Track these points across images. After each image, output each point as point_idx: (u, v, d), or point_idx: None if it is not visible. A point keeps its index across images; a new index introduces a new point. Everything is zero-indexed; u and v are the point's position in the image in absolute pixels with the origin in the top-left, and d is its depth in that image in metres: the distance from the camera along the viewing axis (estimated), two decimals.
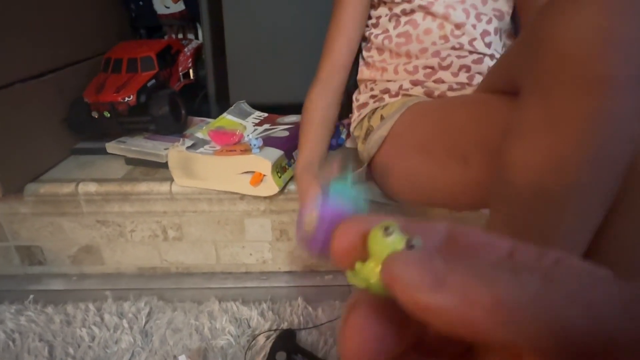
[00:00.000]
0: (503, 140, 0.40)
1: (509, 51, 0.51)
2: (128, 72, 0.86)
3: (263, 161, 0.67)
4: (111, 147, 0.83)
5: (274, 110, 0.92)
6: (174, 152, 0.71)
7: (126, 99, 0.80)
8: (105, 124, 0.82)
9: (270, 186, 0.68)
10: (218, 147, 0.73)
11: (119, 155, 0.84)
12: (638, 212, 0.40)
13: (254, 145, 0.68)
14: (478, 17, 0.67)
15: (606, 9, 0.33)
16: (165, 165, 0.77)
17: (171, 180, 0.74)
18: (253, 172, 0.69)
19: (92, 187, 0.75)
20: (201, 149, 0.72)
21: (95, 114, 0.81)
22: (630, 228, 0.40)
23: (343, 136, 0.87)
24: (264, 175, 0.68)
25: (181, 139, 0.73)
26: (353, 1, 0.72)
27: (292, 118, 0.87)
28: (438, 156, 0.52)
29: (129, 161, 0.82)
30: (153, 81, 0.86)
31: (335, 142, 0.85)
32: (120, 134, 0.86)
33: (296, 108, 0.92)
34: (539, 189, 0.36)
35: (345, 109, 0.83)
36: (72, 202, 0.76)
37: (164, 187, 0.75)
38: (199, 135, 0.77)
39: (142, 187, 0.75)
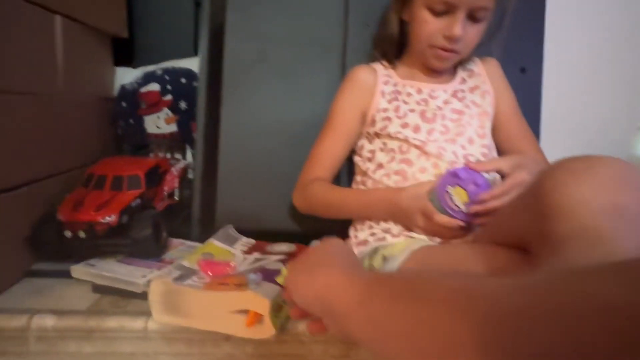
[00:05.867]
0: None
1: (512, 209, 0.54)
2: (112, 189, 0.81)
3: (261, 300, 0.61)
4: (78, 271, 0.74)
5: (262, 236, 0.89)
6: (158, 284, 0.64)
7: (107, 218, 0.74)
8: (77, 245, 0.74)
9: (266, 328, 0.61)
10: (208, 279, 0.66)
11: (83, 280, 0.74)
12: None
13: (252, 280, 0.63)
14: (466, 157, 0.72)
15: (612, 185, 0.36)
16: (139, 296, 0.69)
17: (146, 315, 0.65)
18: (247, 310, 0.62)
19: (49, 321, 0.64)
20: (189, 281, 0.65)
21: (68, 234, 0.73)
22: None
23: None
24: (262, 315, 0.62)
25: (167, 267, 0.66)
26: (345, 123, 0.78)
27: (283, 247, 0.83)
28: None
29: (97, 289, 0.72)
30: (138, 201, 0.81)
31: None
32: (89, 257, 0.77)
33: (286, 236, 0.90)
34: None
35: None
36: (18, 339, 0.63)
37: (137, 323, 0.65)
38: (186, 263, 0.71)
39: (111, 322, 0.65)
